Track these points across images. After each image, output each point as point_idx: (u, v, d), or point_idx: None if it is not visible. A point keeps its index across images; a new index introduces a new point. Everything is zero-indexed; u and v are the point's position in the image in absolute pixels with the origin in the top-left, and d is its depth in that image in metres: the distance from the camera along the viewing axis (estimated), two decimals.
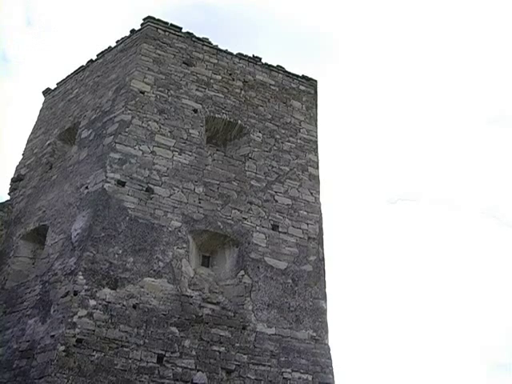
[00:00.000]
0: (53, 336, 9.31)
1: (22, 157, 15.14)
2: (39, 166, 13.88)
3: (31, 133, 15.68)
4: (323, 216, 12.95)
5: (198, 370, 9.80)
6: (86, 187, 11.39)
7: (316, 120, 14.94)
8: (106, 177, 11.12)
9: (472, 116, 44.43)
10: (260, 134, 13.53)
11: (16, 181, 14.29)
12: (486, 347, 32.47)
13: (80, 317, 9.39)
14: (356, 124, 45.34)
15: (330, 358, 11.14)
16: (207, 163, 12.38)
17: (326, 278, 12.14)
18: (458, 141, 43.34)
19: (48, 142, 14.30)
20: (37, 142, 14.92)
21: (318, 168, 13.78)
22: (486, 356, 33.10)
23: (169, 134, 12.36)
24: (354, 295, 34.90)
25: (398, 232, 38.77)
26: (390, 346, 34.32)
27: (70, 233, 10.89)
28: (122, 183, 11.16)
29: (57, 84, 16.48)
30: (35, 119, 16.09)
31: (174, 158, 12.05)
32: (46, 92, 16.65)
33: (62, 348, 9.01)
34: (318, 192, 13.32)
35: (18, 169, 14.79)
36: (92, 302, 9.62)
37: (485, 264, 36.90)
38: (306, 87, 15.47)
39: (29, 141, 15.44)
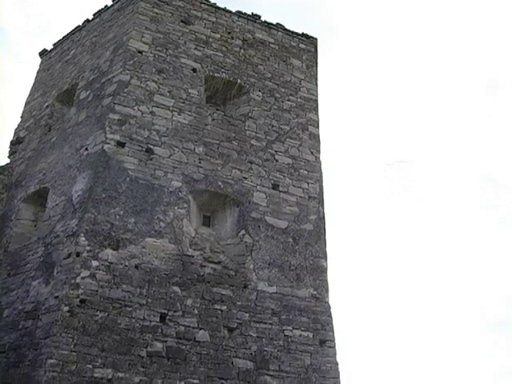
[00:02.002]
0: (57, 297, 9.40)
1: (20, 119, 15.04)
2: (38, 128, 13.80)
3: (29, 95, 15.53)
4: (323, 175, 12.96)
5: (201, 329, 9.93)
6: (86, 149, 11.34)
7: (316, 79, 14.75)
8: (106, 138, 11.05)
9: (472, 79, 44.06)
10: (260, 93, 13.40)
11: (15, 144, 14.24)
12: (483, 305, 32.83)
13: (83, 278, 9.48)
14: (356, 91, 45.03)
15: (330, 316, 11.28)
16: (207, 123, 12.30)
17: (327, 237, 12.22)
18: (457, 104, 43.08)
19: (46, 103, 14.19)
20: (35, 105, 14.80)
21: (318, 127, 13.68)
22: (482, 314, 33.49)
23: (168, 93, 12.24)
24: (354, 254, 35.18)
25: (395, 193, 38.88)
26: (388, 303, 34.75)
27: (70, 195, 10.90)
28: (121, 144, 11.10)
29: (53, 45, 16.23)
30: (33, 81, 15.94)
31: (174, 118, 11.95)
32: (43, 53, 16.42)
33: (66, 308, 9.11)
34: (319, 151, 13.25)
35: (16, 132, 14.71)
36: (94, 263, 9.70)
37: (483, 226, 37.08)
38: (306, 45, 15.24)
39: (27, 103, 15.31)
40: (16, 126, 14.89)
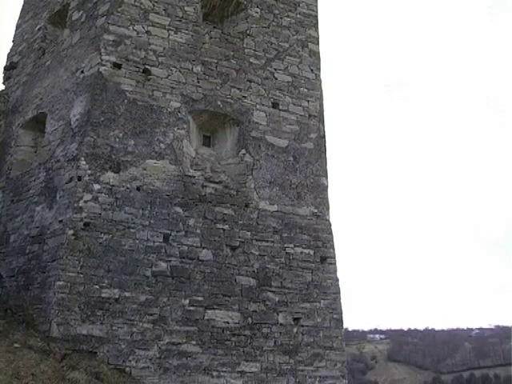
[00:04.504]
0: (61, 221, 9.53)
1: (12, 44, 14.67)
2: (31, 52, 13.49)
3: (19, 18, 15.03)
4: (323, 93, 12.76)
5: (204, 248, 10.12)
6: (82, 71, 11.09)
7: None
8: (101, 60, 10.77)
9: (472, 2, 42.82)
10: (258, 10, 12.95)
11: (9, 69, 13.97)
12: (480, 224, 33.26)
13: (86, 201, 9.56)
14: (356, 7, 43.84)
15: (330, 233, 11.48)
16: (204, 41, 11.96)
17: (327, 155, 12.20)
18: (458, 27, 42.03)
19: (38, 26, 13.76)
20: (26, 28, 14.38)
21: (318, 44, 13.32)
22: (479, 233, 34.01)
23: (163, 12, 11.82)
24: (354, 173, 35.35)
25: (394, 114, 38.61)
26: (388, 223, 35.22)
27: (69, 119, 10.79)
28: (117, 65, 10.82)
29: None
30: (21, 3, 15.41)
31: (170, 37, 11.60)
32: None
33: (71, 232, 9.25)
34: (319, 69, 12.99)
35: (9, 56, 14.38)
36: (96, 186, 9.74)
37: (484, 151, 37.02)
38: None
39: (18, 26, 14.86)
40: (8, 51, 14.56)
